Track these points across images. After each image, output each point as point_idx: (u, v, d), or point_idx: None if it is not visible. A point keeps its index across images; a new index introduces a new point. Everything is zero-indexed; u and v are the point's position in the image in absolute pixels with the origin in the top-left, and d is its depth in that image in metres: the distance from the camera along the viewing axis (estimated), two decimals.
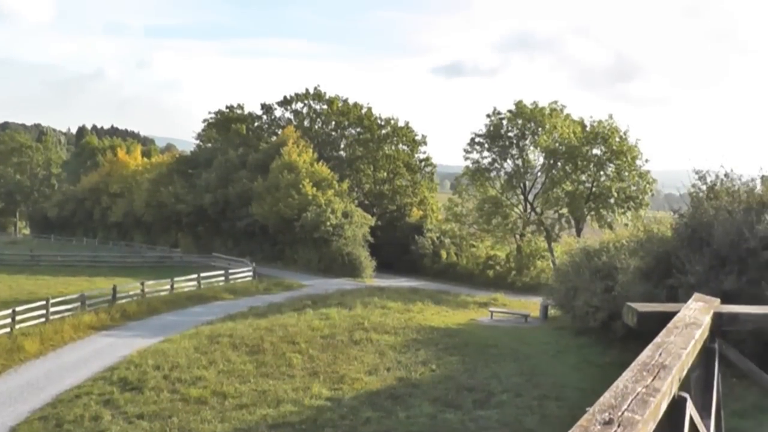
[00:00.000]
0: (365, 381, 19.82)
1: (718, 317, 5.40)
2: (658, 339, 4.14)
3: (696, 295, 5.83)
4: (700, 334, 4.62)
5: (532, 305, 36.69)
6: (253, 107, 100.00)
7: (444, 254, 56.22)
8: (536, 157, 55.21)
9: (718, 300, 5.91)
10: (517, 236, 55.72)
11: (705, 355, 5.26)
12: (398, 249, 57.26)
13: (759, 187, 20.16)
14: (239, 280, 43.49)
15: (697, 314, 5.08)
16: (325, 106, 69.20)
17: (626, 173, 51.84)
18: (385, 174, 67.34)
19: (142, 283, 35.67)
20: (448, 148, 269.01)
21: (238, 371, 20.77)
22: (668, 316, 5.04)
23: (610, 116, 52.23)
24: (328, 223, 52.70)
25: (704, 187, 21.19)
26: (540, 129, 53.69)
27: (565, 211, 53.71)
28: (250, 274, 45.42)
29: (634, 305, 5.63)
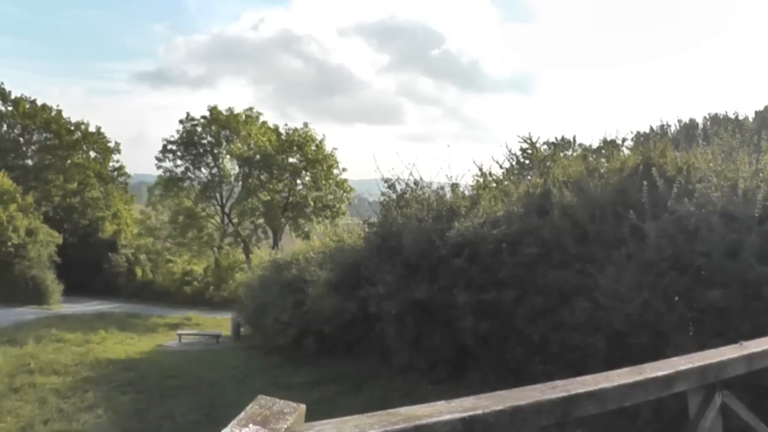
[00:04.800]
0: None
1: None
2: None
3: None
4: None
5: (227, 323, 34.44)
6: None
7: (139, 272, 52.29)
8: (232, 166, 53.27)
9: None
10: (215, 249, 53.35)
11: None
12: (91, 268, 51.85)
13: (449, 195, 19.59)
14: None
15: None
16: (10, 108, 58.71)
17: (323, 182, 51.51)
18: (76, 185, 59.63)
19: None
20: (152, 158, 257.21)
21: None
22: None
23: (305, 124, 51.88)
24: (10, 244, 45.39)
25: (394, 195, 20.24)
26: (235, 136, 51.79)
27: (262, 221, 52.33)
28: None
29: None
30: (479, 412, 2.59)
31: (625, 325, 13.30)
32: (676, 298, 13.09)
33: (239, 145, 50.68)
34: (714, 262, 12.82)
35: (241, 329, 31.40)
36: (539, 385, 3.07)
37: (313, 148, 50.69)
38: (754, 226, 12.82)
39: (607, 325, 13.60)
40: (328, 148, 51.44)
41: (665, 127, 28.48)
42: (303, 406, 2.79)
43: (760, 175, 13.61)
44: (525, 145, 19.18)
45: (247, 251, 51.38)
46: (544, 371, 14.45)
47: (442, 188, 19.68)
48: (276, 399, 2.79)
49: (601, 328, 13.71)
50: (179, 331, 32.93)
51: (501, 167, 19.54)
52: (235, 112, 52.23)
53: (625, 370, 3.62)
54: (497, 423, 2.64)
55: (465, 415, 2.54)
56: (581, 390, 3.09)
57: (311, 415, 2.85)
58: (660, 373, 3.62)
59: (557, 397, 2.95)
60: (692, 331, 13.02)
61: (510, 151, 19.52)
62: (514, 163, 19.46)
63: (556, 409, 2.93)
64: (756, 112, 30.57)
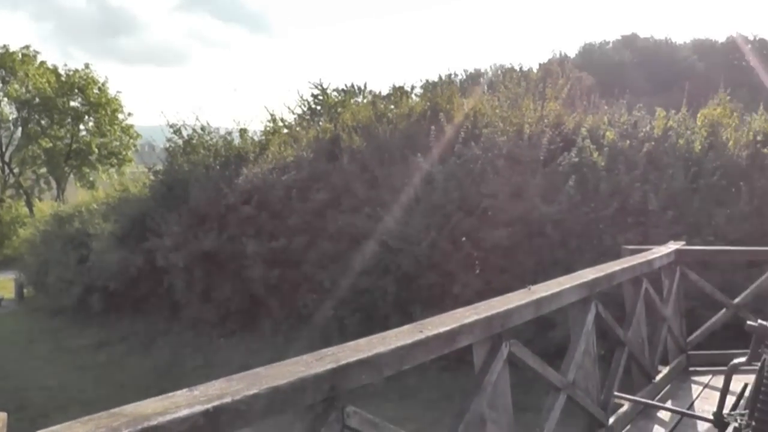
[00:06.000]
0: None
1: None
2: None
3: None
4: None
5: (10, 284, 31.73)
6: None
7: None
8: (10, 110, 49.10)
9: None
10: None
11: None
12: None
13: (237, 140, 18.91)
14: None
15: None
16: None
17: (107, 128, 48.60)
18: None
19: None
20: None
21: None
22: None
23: (87, 66, 48.42)
24: None
25: (181, 141, 19.28)
26: (11, 77, 47.65)
27: (44, 170, 48.83)
28: None
29: None
30: (227, 400, 2.19)
31: (414, 267, 13.46)
32: (463, 239, 13.38)
33: (16, 86, 46.69)
34: (499, 203, 13.20)
35: (25, 290, 29.01)
36: (306, 356, 2.74)
37: (96, 90, 47.61)
38: (538, 169, 13.26)
39: (396, 268, 13.71)
40: (112, 91, 48.52)
41: (452, 75, 29.22)
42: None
43: (545, 120, 14.11)
44: (316, 91, 18.84)
45: (30, 204, 47.83)
46: (336, 316, 14.41)
47: (230, 133, 18.99)
48: None
49: (390, 270, 13.81)
50: None
51: (293, 113, 19.11)
52: (11, 50, 48.03)
53: (405, 328, 3.37)
54: (250, 410, 2.26)
55: (209, 406, 2.13)
56: (353, 358, 2.77)
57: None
58: (443, 329, 3.39)
59: (324, 370, 2.60)
60: (478, 270, 13.35)
61: (301, 97, 19.13)
62: (305, 109, 19.07)
63: (323, 384, 2.58)
64: (540, 64, 31.98)
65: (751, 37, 61.01)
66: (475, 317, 3.69)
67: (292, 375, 2.46)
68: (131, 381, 14.75)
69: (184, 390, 2.26)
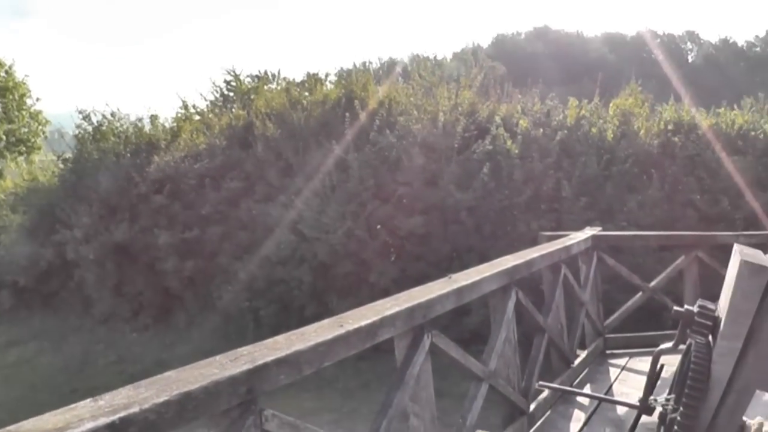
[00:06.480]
0: None
1: None
2: None
3: None
4: None
5: None
6: None
7: None
8: None
9: None
10: None
11: None
12: None
13: (149, 127, 18.37)
14: None
15: None
16: None
17: (15, 113, 46.88)
18: None
19: None
20: None
21: None
22: None
23: None
24: None
25: (90, 128, 18.66)
26: None
27: None
28: None
29: None
30: (135, 409, 2.03)
31: (330, 256, 13.37)
32: (379, 227, 13.34)
33: None
34: (415, 191, 13.21)
35: None
36: (220, 357, 2.59)
37: (3, 74, 45.90)
38: (453, 156, 13.31)
39: (311, 257, 13.59)
40: (20, 75, 46.77)
41: (367, 63, 29.21)
42: None
43: (459, 109, 14.19)
44: (229, 77, 18.48)
45: None
46: (251, 308, 14.23)
47: (141, 120, 18.46)
48: None
49: (306, 260, 13.68)
50: None
51: (205, 99, 18.71)
52: None
53: (324, 323, 3.26)
54: (160, 419, 2.10)
55: (115, 417, 1.97)
56: (270, 358, 2.63)
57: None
58: (363, 323, 3.29)
59: (240, 371, 2.45)
60: (394, 257, 13.36)
61: (214, 83, 18.74)
62: (218, 95, 18.70)
63: (239, 386, 2.43)
64: (454, 54, 32.22)
65: (660, 32, 62.94)
66: (396, 309, 3.61)
67: (205, 378, 2.31)
68: (43, 381, 14.30)
69: (88, 400, 2.10)
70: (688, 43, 69.84)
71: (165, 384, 2.24)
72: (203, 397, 2.24)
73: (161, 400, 2.10)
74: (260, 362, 2.54)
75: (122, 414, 1.97)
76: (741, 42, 66.21)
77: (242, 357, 2.58)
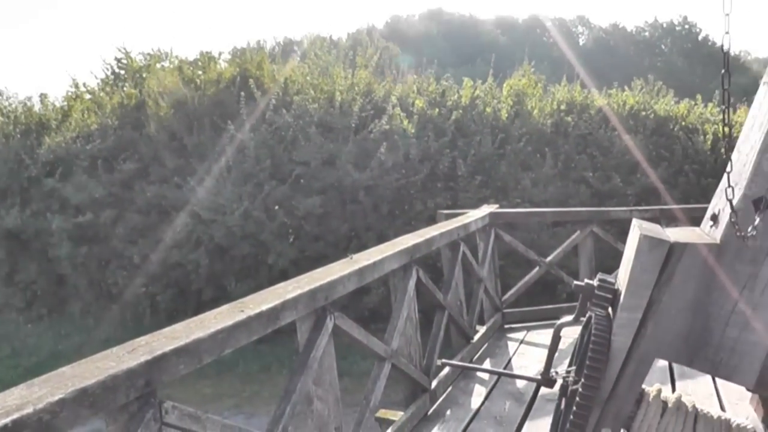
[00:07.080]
0: None
1: None
2: None
3: None
4: None
5: None
6: None
7: None
8: None
9: None
10: None
11: None
12: None
13: (38, 106, 17.59)
14: None
15: None
16: None
17: None
18: None
19: None
20: None
21: None
22: None
23: None
24: None
25: None
26: None
27: None
28: None
29: None
30: (28, 410, 1.93)
31: (227, 238, 13.20)
32: (276, 207, 13.24)
33: None
34: (312, 171, 13.16)
35: None
36: (116, 349, 2.51)
37: None
38: (350, 136, 13.33)
39: (208, 239, 13.39)
40: None
41: (262, 43, 28.75)
42: None
43: (356, 88, 14.22)
44: (120, 54, 17.87)
45: None
46: (147, 293, 13.94)
47: (30, 99, 17.68)
48: None
49: (202, 242, 13.47)
50: None
51: (96, 77, 18.08)
52: None
53: (224, 308, 3.19)
54: (56, 418, 2.01)
55: (7, 420, 1.87)
56: (168, 347, 2.55)
57: None
58: (265, 307, 3.23)
59: (137, 363, 2.37)
60: (293, 238, 13.31)
61: (104, 61, 18.08)
62: (109, 73, 18.06)
63: (137, 379, 2.35)
64: (349, 34, 32.16)
65: (551, 17, 64.52)
66: (298, 291, 3.57)
67: (102, 373, 2.22)
68: None
69: None
70: (579, 27, 71.61)
71: (60, 381, 2.15)
72: (100, 392, 2.17)
73: (56, 398, 2.02)
74: (159, 353, 2.47)
75: (15, 416, 1.88)
76: (630, 27, 68.35)
77: (140, 348, 2.51)
